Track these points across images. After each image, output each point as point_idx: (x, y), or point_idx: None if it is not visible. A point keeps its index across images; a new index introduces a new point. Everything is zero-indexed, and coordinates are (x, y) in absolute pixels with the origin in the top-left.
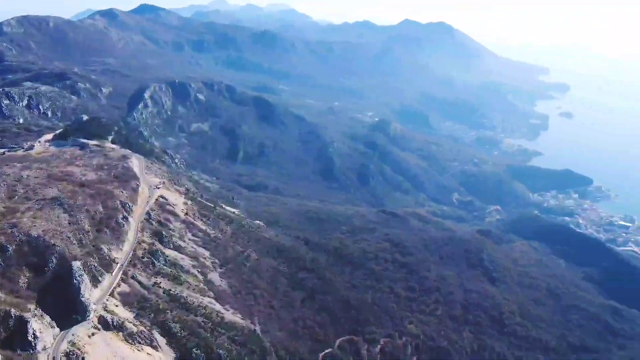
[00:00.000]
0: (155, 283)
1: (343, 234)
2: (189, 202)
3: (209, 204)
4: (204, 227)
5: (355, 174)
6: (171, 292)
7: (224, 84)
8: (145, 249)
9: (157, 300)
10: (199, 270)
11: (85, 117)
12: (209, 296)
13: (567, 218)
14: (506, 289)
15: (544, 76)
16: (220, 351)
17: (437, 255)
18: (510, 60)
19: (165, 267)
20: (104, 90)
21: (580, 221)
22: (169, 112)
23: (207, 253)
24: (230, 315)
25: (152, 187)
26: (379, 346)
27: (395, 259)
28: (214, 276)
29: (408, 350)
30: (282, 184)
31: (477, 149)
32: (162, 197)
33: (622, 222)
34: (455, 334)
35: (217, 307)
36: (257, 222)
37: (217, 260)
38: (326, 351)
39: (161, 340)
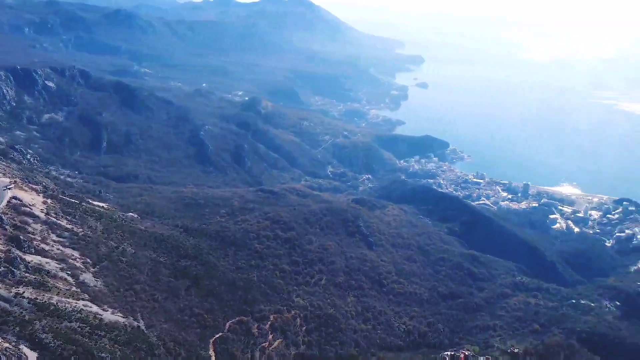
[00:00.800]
0: (17, 294)
1: (223, 217)
2: (49, 201)
3: (73, 200)
4: (69, 226)
5: (230, 156)
6: (38, 300)
7: (77, 69)
8: (0, 257)
9: (22, 312)
10: (69, 272)
11: None
12: (83, 299)
13: (430, 180)
14: (382, 251)
15: (401, 49)
16: (103, 354)
17: (317, 227)
18: (370, 35)
19: (27, 275)
20: None
21: (441, 182)
22: (13, 103)
23: (76, 253)
24: (110, 316)
25: (0, 188)
26: (268, 323)
27: (277, 235)
28: (87, 277)
29: (297, 322)
30: (154, 173)
31: (346, 121)
32: (15, 198)
33: (475, 180)
34: (340, 300)
35: (94, 309)
36: (131, 214)
37: (88, 260)
38: (217, 336)
39: (31, 355)
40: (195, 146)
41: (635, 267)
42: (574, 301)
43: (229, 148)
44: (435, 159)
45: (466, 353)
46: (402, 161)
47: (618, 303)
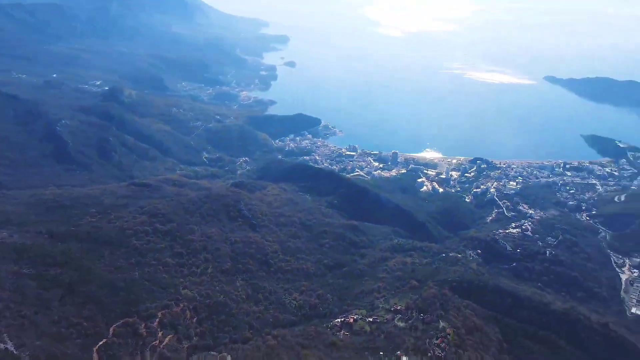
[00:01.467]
0: None
1: (94, 216)
2: None
3: None
4: None
5: (94, 150)
6: None
7: None
8: None
9: None
10: None
11: None
12: None
13: (306, 157)
14: (267, 231)
15: (265, 29)
16: None
17: (198, 216)
18: (232, 15)
19: None
20: None
21: (317, 157)
22: None
23: None
24: None
25: None
26: (157, 320)
27: (156, 229)
28: None
29: (187, 314)
30: (5, 177)
31: (217, 105)
32: None
33: (348, 153)
34: (229, 286)
35: None
36: None
37: None
38: (100, 343)
39: None
40: (51, 143)
41: (491, 217)
42: (444, 255)
43: (91, 142)
44: (309, 136)
45: (354, 317)
46: (277, 141)
47: (479, 251)
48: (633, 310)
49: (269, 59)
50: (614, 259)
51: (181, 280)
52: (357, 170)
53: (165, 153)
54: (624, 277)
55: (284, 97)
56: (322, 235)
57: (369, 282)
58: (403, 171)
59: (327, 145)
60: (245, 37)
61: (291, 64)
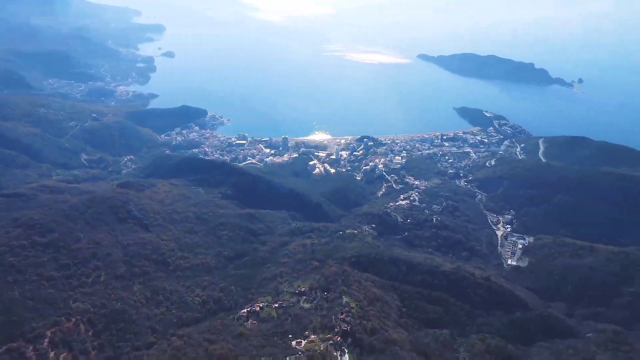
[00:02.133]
0: None
1: None
2: None
3: None
4: None
5: None
6: None
7: None
8: None
9: None
10: None
11: None
12: None
13: (195, 150)
14: (161, 230)
15: (137, 18)
16: None
17: (82, 222)
18: (98, 4)
19: None
20: None
21: (207, 149)
22: None
23: None
24: None
25: None
26: (46, 340)
27: (35, 242)
28: None
29: (81, 328)
30: None
31: (92, 103)
32: None
33: (238, 142)
34: (125, 292)
35: None
36: None
37: None
38: None
39: None
40: None
41: (381, 192)
42: (341, 233)
43: None
44: (197, 127)
45: (260, 305)
46: (163, 135)
47: (373, 225)
48: (509, 262)
49: (145, 50)
50: (490, 218)
51: (70, 293)
52: (249, 158)
53: (37, 158)
54: (499, 233)
55: (165, 90)
56: (219, 227)
57: (272, 268)
58: (295, 155)
59: (216, 136)
60: (116, 27)
61: (170, 55)
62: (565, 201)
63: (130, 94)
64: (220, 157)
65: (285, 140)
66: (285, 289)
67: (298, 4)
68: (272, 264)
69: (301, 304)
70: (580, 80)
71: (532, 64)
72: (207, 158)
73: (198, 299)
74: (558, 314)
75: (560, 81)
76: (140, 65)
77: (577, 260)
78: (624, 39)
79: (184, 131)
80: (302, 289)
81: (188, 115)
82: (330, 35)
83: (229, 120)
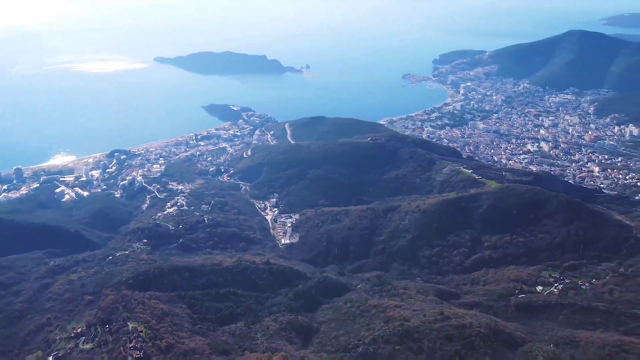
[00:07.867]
0: None
1: None
2: None
3: None
4: None
5: None
6: None
7: None
8: None
9: None
10: None
11: None
12: None
13: None
14: None
15: None
16: None
17: None
18: None
19: None
20: None
21: None
22: None
23: None
24: None
25: None
26: None
27: None
28: None
29: None
30: None
31: None
32: None
33: None
34: None
35: None
36: None
37: None
38: None
39: None
40: None
41: (146, 204)
42: (111, 257)
43: None
44: None
45: None
46: None
47: (145, 241)
48: (283, 241)
49: None
50: (257, 206)
51: None
52: None
53: None
54: (269, 217)
55: None
56: None
57: (36, 319)
58: (36, 186)
59: None
60: None
61: None
62: (317, 174)
63: None
64: None
65: (18, 170)
66: (59, 336)
67: (16, 12)
68: (34, 314)
69: (81, 346)
70: (307, 66)
71: (265, 56)
72: None
73: None
74: (332, 275)
75: (291, 69)
76: None
77: (337, 225)
78: (340, 30)
79: None
80: (79, 330)
81: None
82: (50, 46)
83: None
